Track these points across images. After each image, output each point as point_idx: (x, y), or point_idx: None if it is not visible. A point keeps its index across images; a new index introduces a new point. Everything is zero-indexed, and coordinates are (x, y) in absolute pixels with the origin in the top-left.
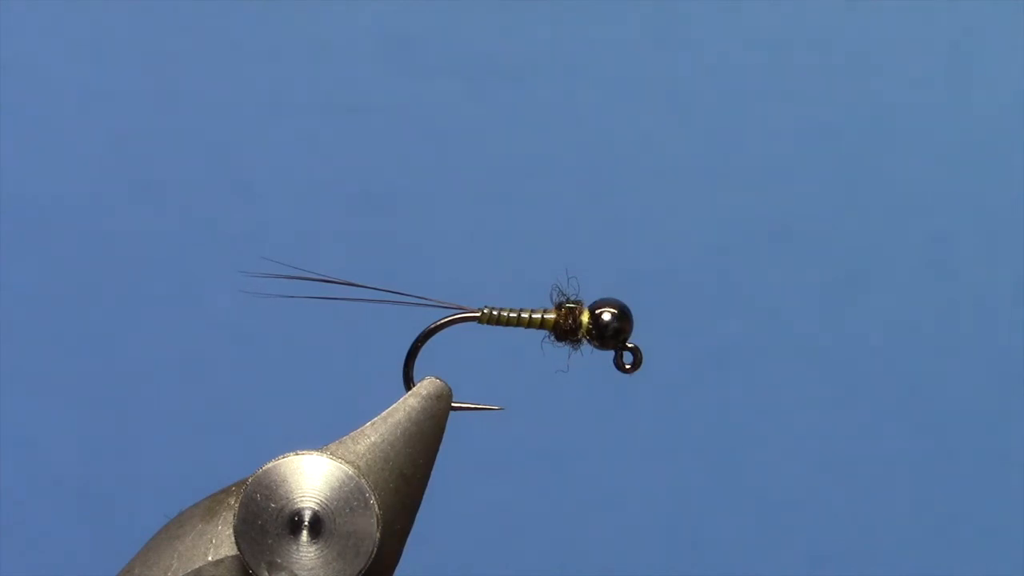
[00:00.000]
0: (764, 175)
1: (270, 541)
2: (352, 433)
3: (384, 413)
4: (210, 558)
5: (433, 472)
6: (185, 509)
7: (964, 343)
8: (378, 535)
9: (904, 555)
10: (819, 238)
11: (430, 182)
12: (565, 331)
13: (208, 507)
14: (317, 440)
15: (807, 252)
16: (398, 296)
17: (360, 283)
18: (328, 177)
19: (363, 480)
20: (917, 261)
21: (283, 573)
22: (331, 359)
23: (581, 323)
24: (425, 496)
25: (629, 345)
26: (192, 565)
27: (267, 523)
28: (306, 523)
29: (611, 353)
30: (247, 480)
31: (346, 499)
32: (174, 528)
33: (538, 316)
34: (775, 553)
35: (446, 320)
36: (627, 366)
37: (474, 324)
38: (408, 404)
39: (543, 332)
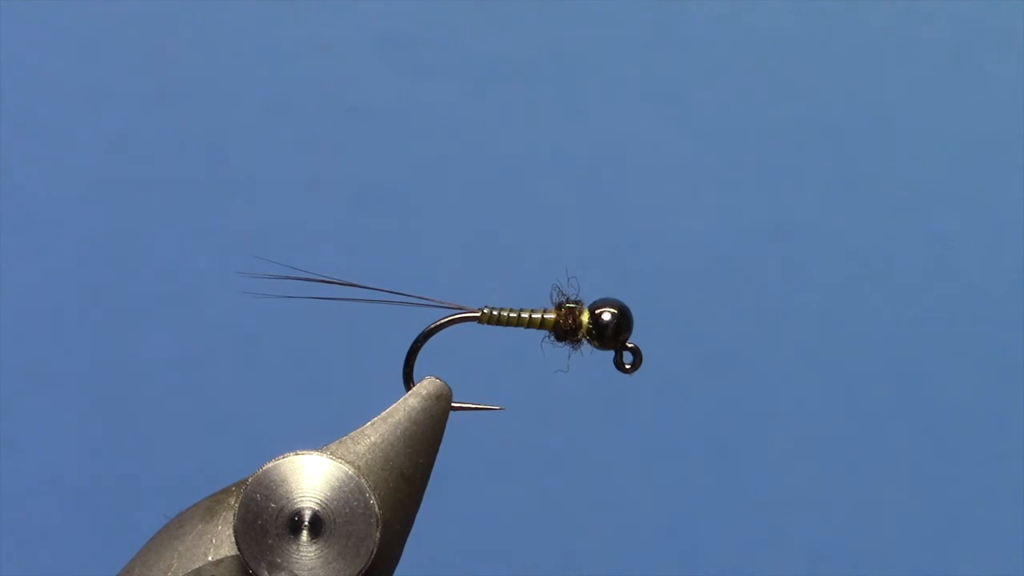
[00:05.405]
0: (764, 175)
1: (270, 541)
2: (352, 433)
3: (384, 413)
4: (210, 558)
5: (433, 472)
6: (185, 509)
7: (964, 343)
8: (378, 535)
9: (904, 555)
10: (820, 238)
11: (430, 182)
12: (565, 331)
13: (208, 507)
14: (317, 440)
15: (807, 252)
16: (398, 296)
17: (360, 283)
18: (328, 177)
19: (363, 480)
20: (917, 261)
21: (283, 573)
22: (331, 359)
23: (581, 323)
24: (425, 496)
25: (629, 345)
26: (192, 565)
27: (267, 523)
28: (306, 523)
29: (611, 353)
30: (247, 480)
31: (346, 499)
32: (174, 528)
33: (538, 316)
34: (775, 553)
35: (446, 320)
36: (627, 366)
37: (474, 324)
38: (408, 404)
39: (543, 332)
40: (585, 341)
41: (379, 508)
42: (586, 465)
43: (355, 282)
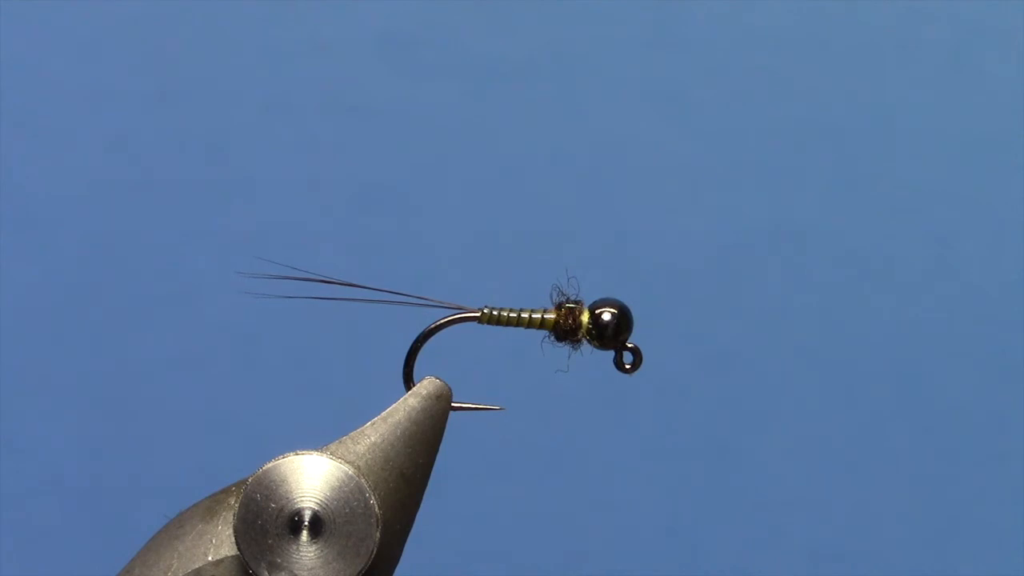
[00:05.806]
0: (764, 175)
1: (270, 541)
2: (352, 433)
3: (384, 413)
4: (210, 558)
5: (433, 472)
6: (185, 509)
7: (964, 343)
8: (378, 535)
9: (904, 555)
10: (820, 238)
11: (430, 182)
12: (565, 331)
13: (208, 507)
14: (317, 440)
15: (807, 252)
16: (398, 296)
17: (360, 283)
18: (328, 177)
19: (363, 480)
20: (917, 261)
21: (283, 573)
22: (331, 359)
23: (581, 323)
24: (425, 496)
25: (629, 345)
26: (192, 565)
27: (267, 523)
28: (306, 523)
29: (611, 353)
30: (247, 480)
31: (346, 499)
32: (174, 528)
33: (538, 316)
34: (775, 553)
35: (446, 320)
36: (627, 366)
37: (474, 324)
38: (408, 404)
39: (543, 332)
40: (585, 341)
41: (379, 508)
42: (586, 465)
43: (355, 282)
